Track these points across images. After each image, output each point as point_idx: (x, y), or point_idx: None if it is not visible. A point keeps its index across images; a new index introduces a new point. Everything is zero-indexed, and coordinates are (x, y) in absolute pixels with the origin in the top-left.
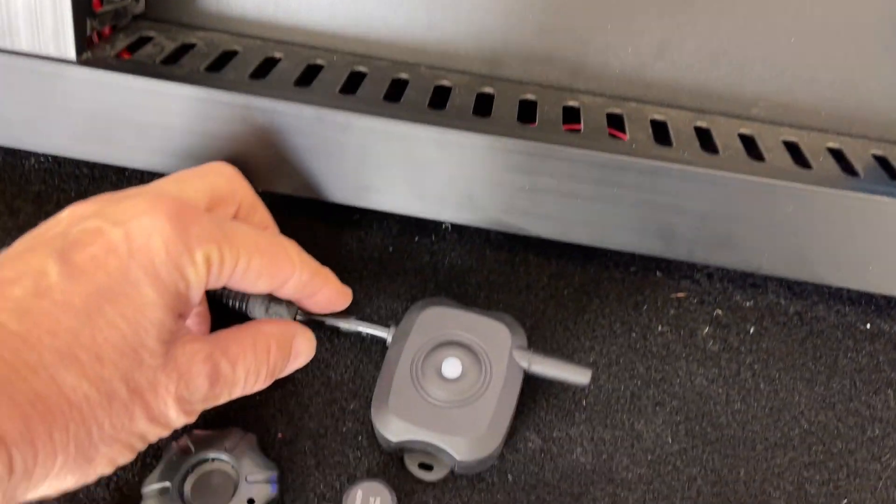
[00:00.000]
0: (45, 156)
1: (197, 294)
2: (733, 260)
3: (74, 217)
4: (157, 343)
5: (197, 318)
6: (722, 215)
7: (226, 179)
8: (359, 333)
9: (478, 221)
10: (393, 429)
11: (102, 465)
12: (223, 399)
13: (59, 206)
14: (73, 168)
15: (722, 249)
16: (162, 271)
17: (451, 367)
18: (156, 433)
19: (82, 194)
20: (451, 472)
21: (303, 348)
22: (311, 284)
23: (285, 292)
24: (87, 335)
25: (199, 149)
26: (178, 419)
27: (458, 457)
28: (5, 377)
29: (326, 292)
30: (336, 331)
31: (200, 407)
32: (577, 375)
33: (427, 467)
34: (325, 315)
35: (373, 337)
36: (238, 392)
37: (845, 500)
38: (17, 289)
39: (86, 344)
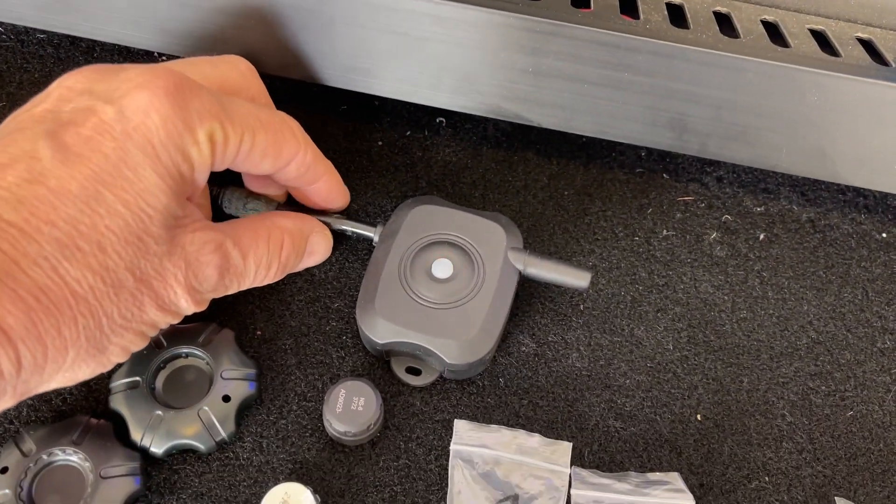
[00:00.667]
0: (6, 33)
1: (202, 176)
2: (749, 155)
3: (65, 92)
4: (162, 229)
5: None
6: (740, 105)
7: (239, 73)
8: (343, 232)
9: (475, 108)
10: (379, 331)
11: (116, 354)
12: (233, 290)
13: (20, 87)
14: (37, 47)
15: (737, 144)
16: (162, 152)
17: (442, 267)
18: (166, 321)
19: (47, 74)
20: (441, 376)
21: (318, 247)
22: (315, 168)
23: (288, 174)
24: (88, 223)
25: (170, 23)
26: (189, 307)
27: (447, 360)
28: (6, 270)
29: (328, 181)
30: None
31: (210, 296)
32: (575, 278)
33: (415, 372)
34: (309, 213)
35: (359, 236)
36: (247, 284)
37: (851, 412)
38: (10, 174)
39: (86, 233)
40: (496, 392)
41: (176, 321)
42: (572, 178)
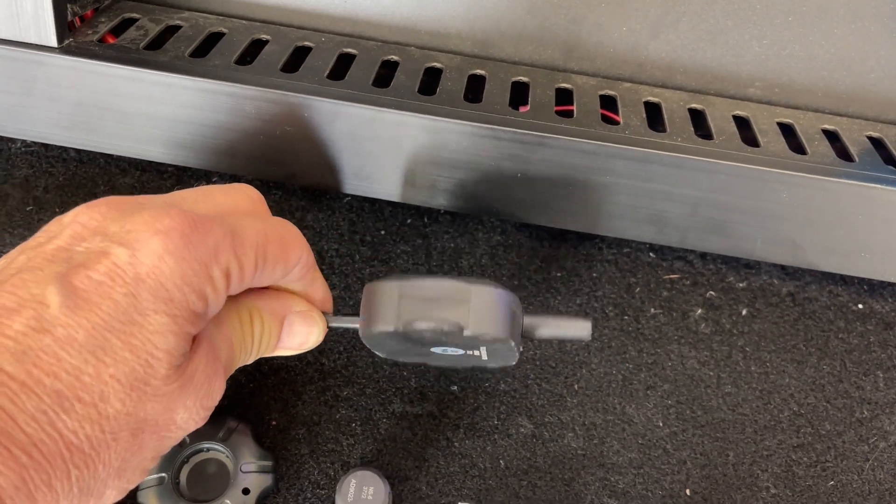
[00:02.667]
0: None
1: (216, 308)
2: (726, 246)
3: (79, 230)
4: (170, 369)
5: None
6: (715, 202)
7: (251, 201)
8: (336, 330)
9: (470, 209)
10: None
11: (113, 497)
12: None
13: (46, 190)
14: (61, 151)
15: (714, 236)
16: (176, 294)
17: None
18: (168, 448)
19: (70, 178)
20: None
21: (297, 328)
22: (315, 267)
23: (293, 276)
24: (92, 373)
25: (185, 137)
26: (192, 427)
27: (469, 332)
28: (2, 427)
29: (322, 278)
30: None
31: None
32: (576, 330)
33: None
34: None
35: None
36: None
37: (832, 482)
38: (17, 322)
39: (89, 383)
40: (497, 474)
41: (176, 443)
42: (563, 259)
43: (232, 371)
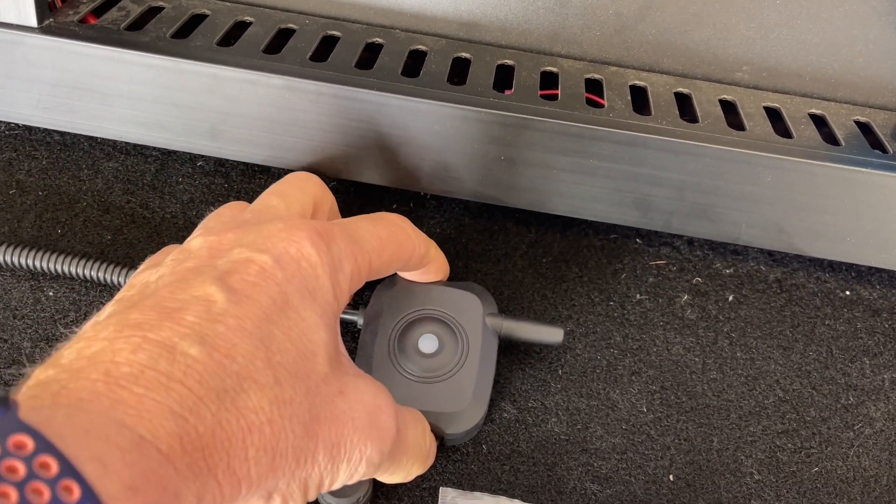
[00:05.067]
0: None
1: (342, 310)
2: (711, 230)
3: (214, 247)
4: (328, 367)
5: None
6: (699, 186)
7: (320, 189)
8: None
9: (454, 193)
10: None
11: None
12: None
13: (30, 174)
14: (44, 135)
15: (699, 220)
16: (318, 296)
17: (428, 342)
18: (339, 477)
19: (54, 161)
20: (442, 443)
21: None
22: (427, 255)
23: (407, 267)
24: (263, 358)
25: (167, 119)
26: (379, 465)
27: (447, 431)
28: (190, 407)
29: (438, 261)
30: None
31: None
32: (549, 335)
33: None
34: None
35: (344, 321)
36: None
37: (816, 468)
38: (188, 315)
39: (262, 368)
40: (479, 459)
41: (338, 485)
42: (550, 245)
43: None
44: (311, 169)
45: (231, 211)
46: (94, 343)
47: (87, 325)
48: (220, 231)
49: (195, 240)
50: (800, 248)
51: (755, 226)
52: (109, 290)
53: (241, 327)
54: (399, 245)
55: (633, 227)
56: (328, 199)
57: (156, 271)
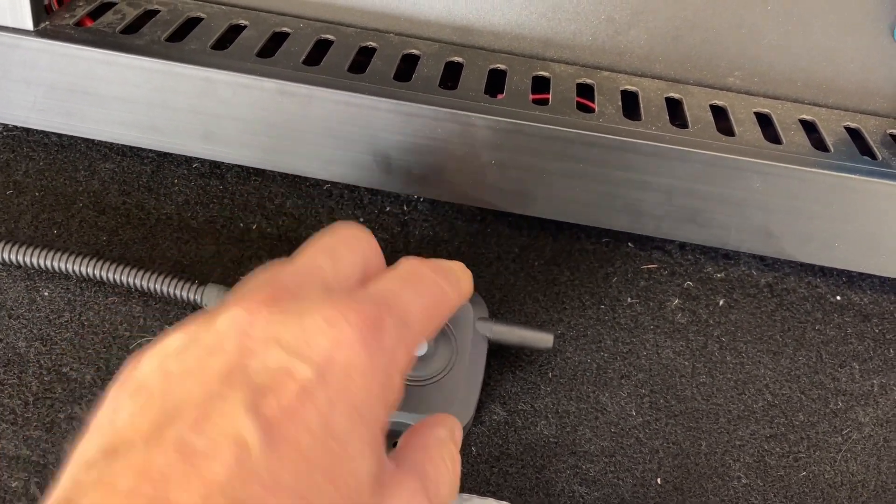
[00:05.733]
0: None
1: (394, 409)
2: (701, 236)
3: (245, 340)
4: (370, 497)
5: None
6: (689, 191)
7: (371, 247)
8: None
9: (445, 196)
10: None
11: None
12: None
13: (27, 175)
14: (42, 136)
15: (689, 225)
16: (367, 413)
17: (419, 346)
18: None
19: (51, 163)
20: None
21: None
22: (465, 295)
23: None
24: None
25: (161, 122)
26: None
27: None
28: None
29: (469, 288)
30: None
31: None
32: (539, 341)
33: None
34: None
35: None
36: None
37: (804, 473)
38: (218, 466)
39: None
40: (468, 461)
41: None
42: (542, 249)
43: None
44: (305, 172)
45: (271, 270)
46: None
47: (100, 427)
48: (253, 304)
49: (226, 318)
50: (789, 253)
51: (745, 231)
52: (104, 290)
53: (277, 483)
54: (440, 312)
55: (624, 232)
56: (378, 260)
57: (179, 349)
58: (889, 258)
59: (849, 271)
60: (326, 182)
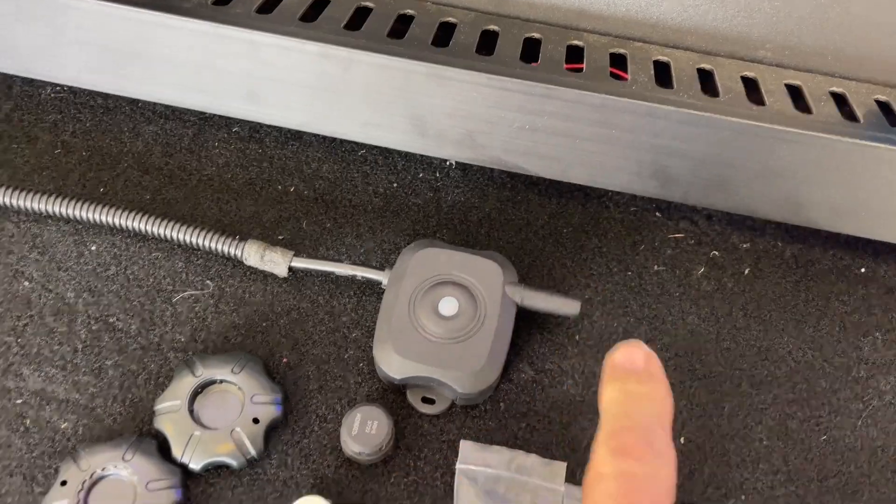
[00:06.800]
0: (61, 85)
1: None
2: (728, 203)
3: None
4: None
5: None
6: (718, 158)
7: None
8: (354, 277)
9: (478, 160)
10: (396, 367)
11: None
12: None
13: (74, 135)
14: (88, 98)
15: (717, 192)
16: None
17: (448, 305)
18: None
19: (97, 124)
20: (452, 403)
21: None
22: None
23: None
24: None
25: (207, 83)
26: None
27: (460, 390)
28: None
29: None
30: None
31: None
32: (566, 307)
33: (429, 401)
34: (319, 261)
35: (369, 280)
36: None
37: (824, 437)
38: None
39: None
40: (497, 416)
41: None
42: (570, 216)
43: None
44: (343, 135)
45: None
46: None
47: None
48: None
49: None
50: (817, 222)
51: (771, 199)
52: (148, 245)
53: None
54: None
55: (652, 201)
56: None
57: None
58: None
59: (874, 243)
60: (362, 147)
